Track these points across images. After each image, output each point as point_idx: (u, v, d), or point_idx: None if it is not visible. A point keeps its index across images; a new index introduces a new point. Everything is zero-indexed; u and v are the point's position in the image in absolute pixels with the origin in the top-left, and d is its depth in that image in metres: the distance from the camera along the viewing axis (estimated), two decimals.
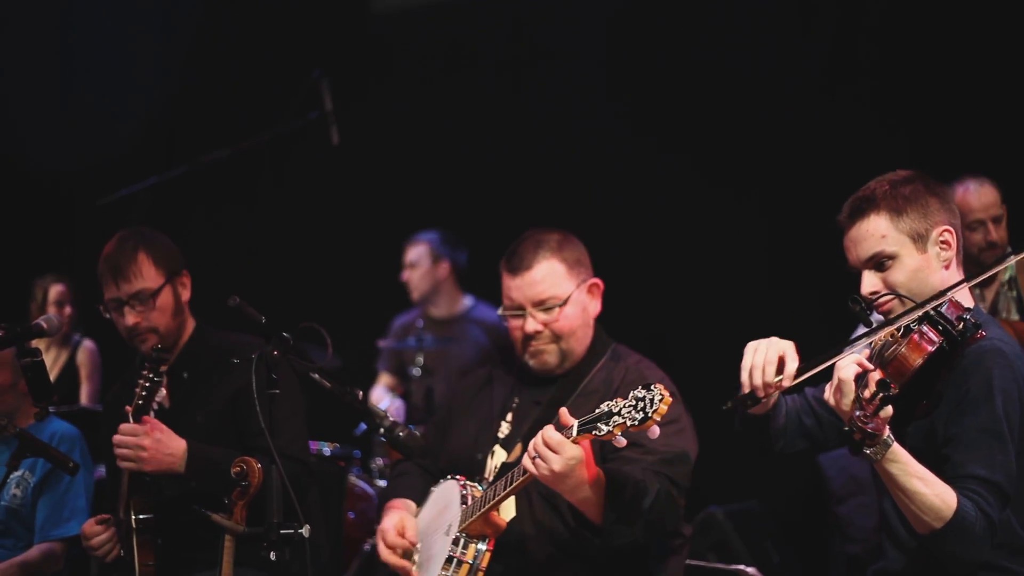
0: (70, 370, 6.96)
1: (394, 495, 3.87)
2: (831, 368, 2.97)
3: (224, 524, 3.46)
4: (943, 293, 2.98)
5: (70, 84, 7.94)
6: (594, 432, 3.16)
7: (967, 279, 3.09)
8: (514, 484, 3.38)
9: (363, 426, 6.15)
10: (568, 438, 3.23)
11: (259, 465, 3.45)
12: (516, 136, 7.03)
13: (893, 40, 6.02)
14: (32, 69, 7.81)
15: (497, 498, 3.42)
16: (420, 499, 3.83)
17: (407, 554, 3.65)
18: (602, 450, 3.47)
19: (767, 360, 3.02)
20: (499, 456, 3.77)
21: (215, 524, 3.46)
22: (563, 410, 3.32)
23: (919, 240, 3.10)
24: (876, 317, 3.09)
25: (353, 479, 5.93)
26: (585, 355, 3.79)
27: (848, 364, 2.87)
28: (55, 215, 7.99)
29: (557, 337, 3.74)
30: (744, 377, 3.05)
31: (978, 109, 5.73)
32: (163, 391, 3.81)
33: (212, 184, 7.57)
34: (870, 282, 3.12)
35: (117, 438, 3.68)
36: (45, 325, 3.88)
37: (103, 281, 3.96)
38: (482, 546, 3.48)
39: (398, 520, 3.69)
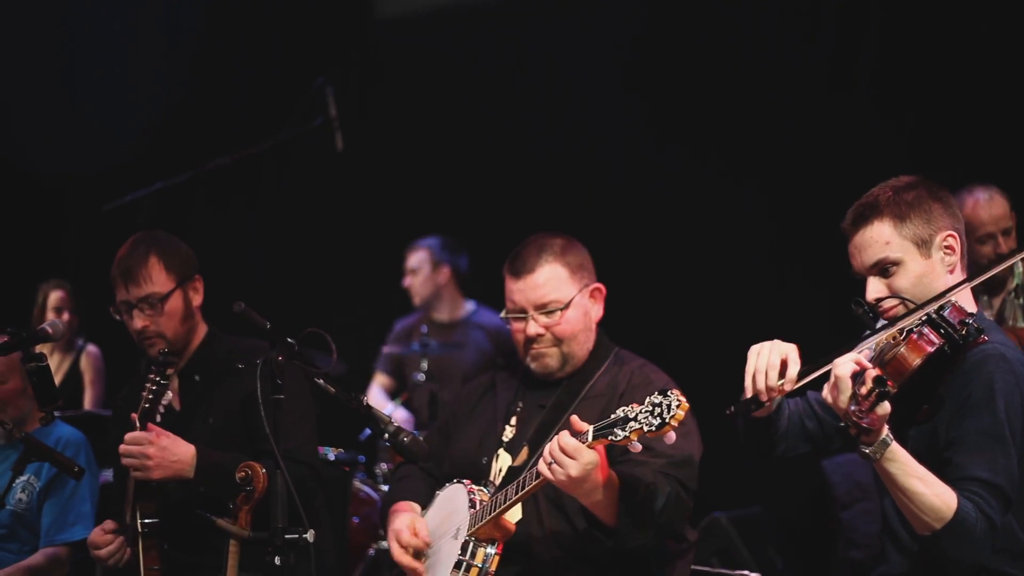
0: (74, 375, 6.97)
1: (398, 498, 3.87)
2: None
3: (229, 529, 3.46)
4: (944, 294, 2.99)
5: (75, 89, 7.96)
6: (610, 437, 3.17)
7: (968, 279, 3.10)
8: (526, 489, 3.39)
9: (367, 431, 6.16)
10: (583, 443, 3.24)
11: (263, 470, 3.45)
12: (519, 143, 7.04)
13: (902, 43, 6.01)
14: (37, 74, 7.83)
15: (508, 503, 3.43)
16: (424, 502, 3.84)
17: (418, 555, 3.66)
18: (610, 452, 3.48)
19: (770, 364, 3.02)
20: (504, 460, 3.77)
21: (220, 529, 3.47)
22: (575, 417, 3.33)
23: (923, 246, 3.11)
24: (881, 323, 3.10)
25: (357, 484, 5.95)
26: (588, 359, 3.80)
27: (846, 362, 2.88)
28: (60, 220, 8.01)
29: (559, 340, 3.75)
30: (747, 381, 3.06)
31: (984, 112, 5.73)
32: (170, 394, 3.82)
33: (217, 190, 7.61)
34: (875, 288, 3.12)
35: (123, 447, 3.69)
36: (50, 330, 3.90)
37: (115, 283, 3.98)
38: (491, 550, 3.48)
39: (410, 521, 3.70)
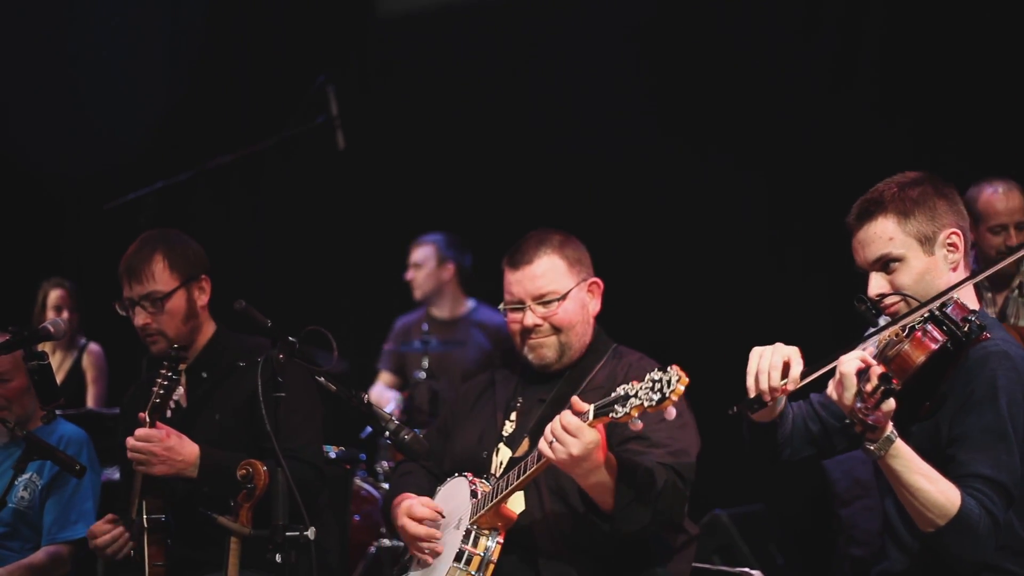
0: (76, 373, 6.98)
1: (401, 491, 3.88)
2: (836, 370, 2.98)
3: (229, 526, 3.47)
4: (948, 291, 2.99)
5: (77, 88, 7.95)
6: (611, 415, 3.19)
7: (971, 276, 3.10)
8: (528, 472, 3.40)
9: (368, 429, 6.16)
10: (585, 422, 3.26)
11: (264, 468, 3.46)
12: (519, 141, 7.04)
13: (906, 39, 6.01)
14: (39, 73, 7.83)
15: (510, 488, 3.45)
16: (426, 496, 3.84)
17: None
18: (609, 440, 3.48)
19: (772, 365, 3.02)
20: (504, 453, 3.79)
21: (221, 526, 3.47)
22: (575, 398, 3.35)
23: (926, 243, 3.10)
24: (883, 319, 3.10)
25: (358, 482, 5.94)
26: (586, 353, 3.82)
27: (850, 359, 2.88)
28: (62, 219, 8.02)
29: (556, 329, 3.76)
30: (750, 381, 3.06)
31: (991, 107, 5.73)
32: (180, 390, 3.83)
33: (218, 188, 7.61)
34: (877, 284, 3.12)
35: (130, 442, 3.70)
36: (52, 329, 3.91)
37: (120, 279, 4.00)
38: (493, 539, 3.50)
39: (419, 499, 3.71)
